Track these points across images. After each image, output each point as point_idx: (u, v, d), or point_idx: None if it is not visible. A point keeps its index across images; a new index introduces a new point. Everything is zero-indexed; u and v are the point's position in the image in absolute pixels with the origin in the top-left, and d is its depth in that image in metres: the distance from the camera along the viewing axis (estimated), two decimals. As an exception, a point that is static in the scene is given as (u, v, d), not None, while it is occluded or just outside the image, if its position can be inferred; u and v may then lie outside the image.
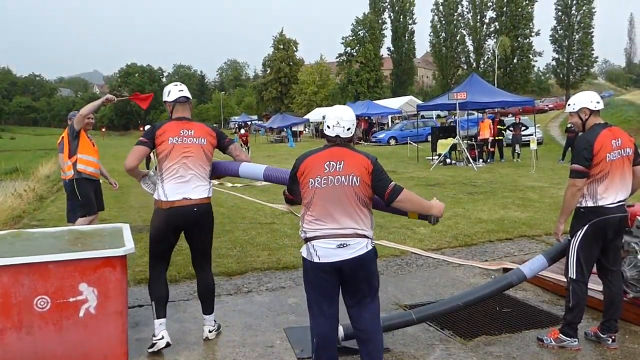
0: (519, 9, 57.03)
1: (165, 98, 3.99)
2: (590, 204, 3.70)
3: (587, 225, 3.70)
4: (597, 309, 4.24)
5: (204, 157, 3.86)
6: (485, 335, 4.09)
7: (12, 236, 4.11)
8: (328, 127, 3.14)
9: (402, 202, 3.07)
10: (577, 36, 58.73)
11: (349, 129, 3.13)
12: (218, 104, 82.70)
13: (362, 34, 61.82)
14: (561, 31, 59.21)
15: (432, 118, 36.19)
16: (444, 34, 62.78)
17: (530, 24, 57.88)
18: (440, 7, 62.76)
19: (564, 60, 59.52)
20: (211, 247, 4.07)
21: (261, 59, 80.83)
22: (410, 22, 66.19)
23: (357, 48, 61.42)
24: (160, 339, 3.74)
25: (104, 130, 63.84)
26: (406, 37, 66.40)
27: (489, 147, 19.03)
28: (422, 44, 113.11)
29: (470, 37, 61.87)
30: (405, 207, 3.15)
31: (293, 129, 44.33)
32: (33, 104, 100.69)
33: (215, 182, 13.84)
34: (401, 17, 65.79)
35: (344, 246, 2.98)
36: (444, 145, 18.40)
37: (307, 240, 3.10)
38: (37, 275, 3.32)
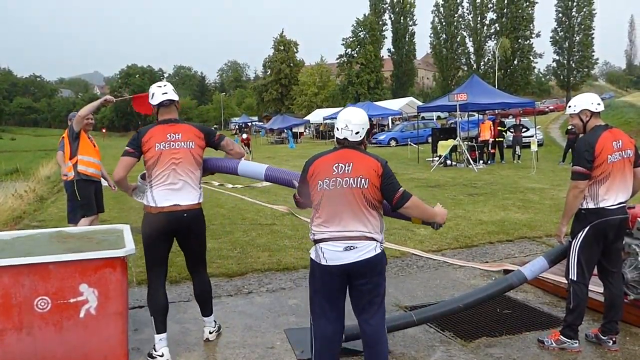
0: (520, 11, 57.10)
1: (149, 100, 3.84)
2: (591, 205, 3.69)
3: (588, 227, 3.69)
4: (598, 311, 4.24)
5: (193, 161, 3.74)
6: (486, 337, 4.09)
7: (13, 237, 4.11)
8: (337, 129, 3.12)
9: (410, 208, 3.06)
10: (577, 38, 58.84)
11: (357, 133, 3.09)
12: (218, 105, 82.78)
13: (362, 35, 61.90)
14: (562, 33, 59.32)
15: (433, 119, 36.18)
16: (444, 36, 62.89)
17: (531, 25, 57.98)
18: (441, 9, 62.89)
19: (565, 61, 59.64)
20: (205, 250, 4.02)
21: (261, 60, 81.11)
22: (410, 23, 66.34)
23: (357, 49, 61.50)
24: (160, 356, 3.66)
25: (104, 131, 63.88)
26: (406, 39, 66.51)
27: (490, 149, 19.02)
28: (423, 46, 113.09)
29: (471, 39, 61.98)
30: (412, 213, 3.15)
31: (293, 130, 44.39)
32: (33, 104, 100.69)
33: (216, 183, 13.92)
34: (401, 18, 65.90)
35: (351, 249, 2.95)
36: (444, 146, 18.41)
37: (315, 242, 3.07)
38: (38, 275, 3.32)
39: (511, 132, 19.73)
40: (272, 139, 47.15)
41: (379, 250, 3.01)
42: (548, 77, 74.02)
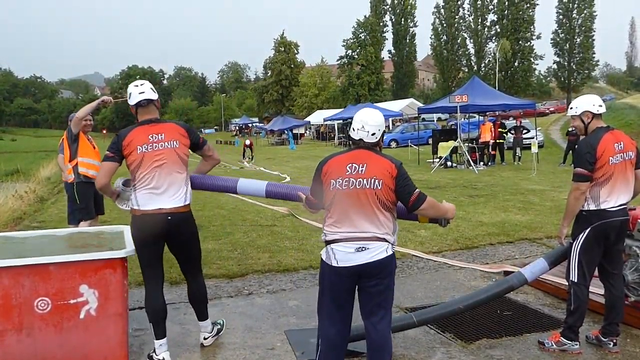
0: (520, 12, 57.18)
1: (128, 100, 3.61)
2: (592, 207, 3.69)
3: (589, 229, 3.69)
4: (599, 313, 4.23)
5: (179, 160, 3.59)
6: (486, 339, 4.08)
7: (12, 238, 4.10)
8: (353, 129, 3.11)
9: (426, 209, 3.06)
10: (578, 39, 58.91)
11: (373, 134, 3.07)
12: (219, 106, 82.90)
13: (363, 37, 61.91)
14: (562, 34, 59.38)
15: (433, 121, 36.18)
16: (445, 37, 62.96)
17: (531, 27, 58.06)
18: (442, 10, 62.96)
19: (565, 63, 59.71)
20: (199, 254, 3.90)
21: (262, 62, 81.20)
22: (411, 24, 66.44)
23: (358, 51, 61.52)
24: None
25: (104, 132, 63.87)
26: (407, 40, 66.60)
27: (490, 150, 19.03)
28: (423, 47, 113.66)
29: (472, 40, 62.04)
30: (428, 214, 3.16)
31: (294, 131, 44.49)
32: (34, 105, 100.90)
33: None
34: (402, 19, 65.97)
35: (362, 249, 2.94)
36: (444, 148, 18.40)
37: (327, 243, 3.06)
38: (38, 276, 3.32)
39: (512, 134, 19.73)
40: (273, 140, 47.20)
41: (390, 252, 3.00)
42: (549, 78, 74.03)
